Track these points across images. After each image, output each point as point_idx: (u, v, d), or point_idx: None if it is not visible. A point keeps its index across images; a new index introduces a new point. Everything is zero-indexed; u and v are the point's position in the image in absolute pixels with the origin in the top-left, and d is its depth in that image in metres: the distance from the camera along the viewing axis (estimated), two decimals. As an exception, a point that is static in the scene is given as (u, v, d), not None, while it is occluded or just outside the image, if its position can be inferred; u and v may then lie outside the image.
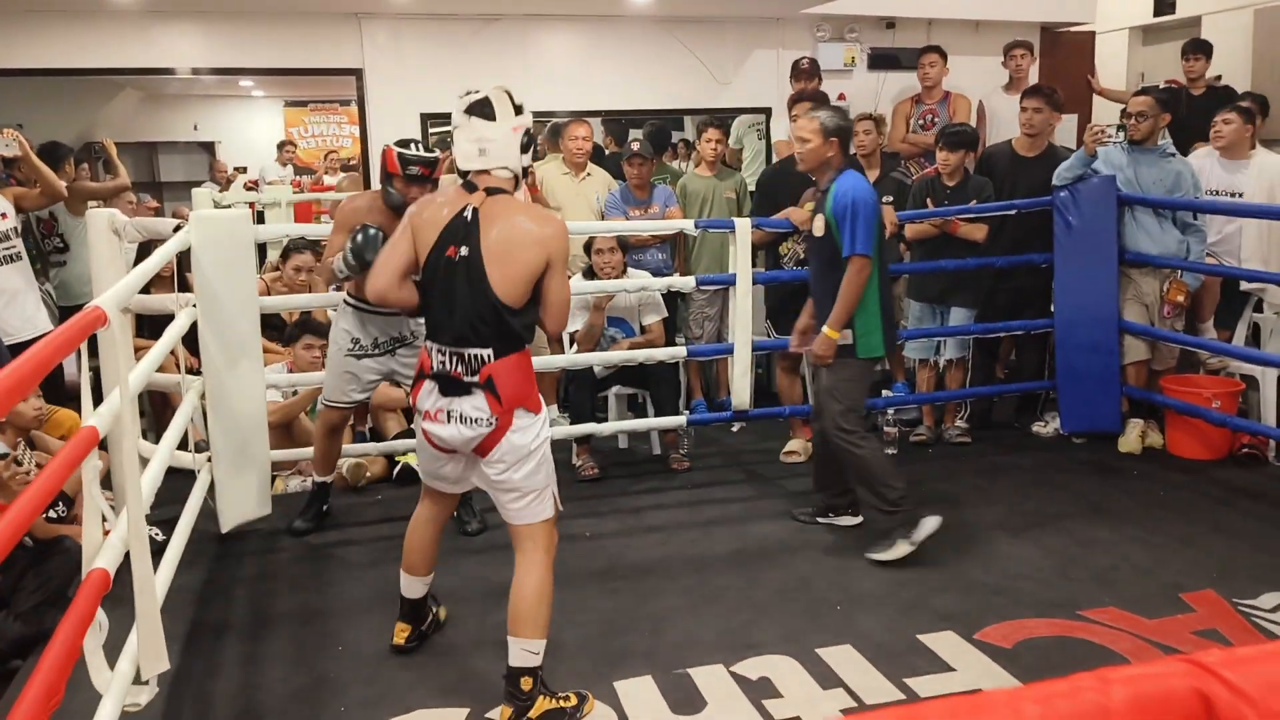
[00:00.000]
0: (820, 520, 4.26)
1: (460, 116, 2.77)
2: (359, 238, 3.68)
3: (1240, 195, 5.16)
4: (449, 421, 2.78)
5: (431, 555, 3.20)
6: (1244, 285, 5.37)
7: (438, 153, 3.97)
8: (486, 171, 2.78)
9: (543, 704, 2.82)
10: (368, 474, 4.85)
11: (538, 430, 2.83)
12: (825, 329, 3.89)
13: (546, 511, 2.88)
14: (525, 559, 2.86)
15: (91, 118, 10.40)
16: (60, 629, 2.17)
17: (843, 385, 3.94)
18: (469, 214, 2.72)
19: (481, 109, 2.75)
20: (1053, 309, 5.35)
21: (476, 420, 2.75)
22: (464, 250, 2.71)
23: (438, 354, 2.80)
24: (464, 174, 2.83)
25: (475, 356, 2.74)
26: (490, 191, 2.76)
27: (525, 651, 2.80)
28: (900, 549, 3.75)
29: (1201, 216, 5.04)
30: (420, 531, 3.16)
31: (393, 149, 3.85)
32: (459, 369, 2.76)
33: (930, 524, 3.80)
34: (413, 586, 3.21)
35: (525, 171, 2.88)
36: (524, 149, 2.81)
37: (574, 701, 2.89)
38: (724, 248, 5.09)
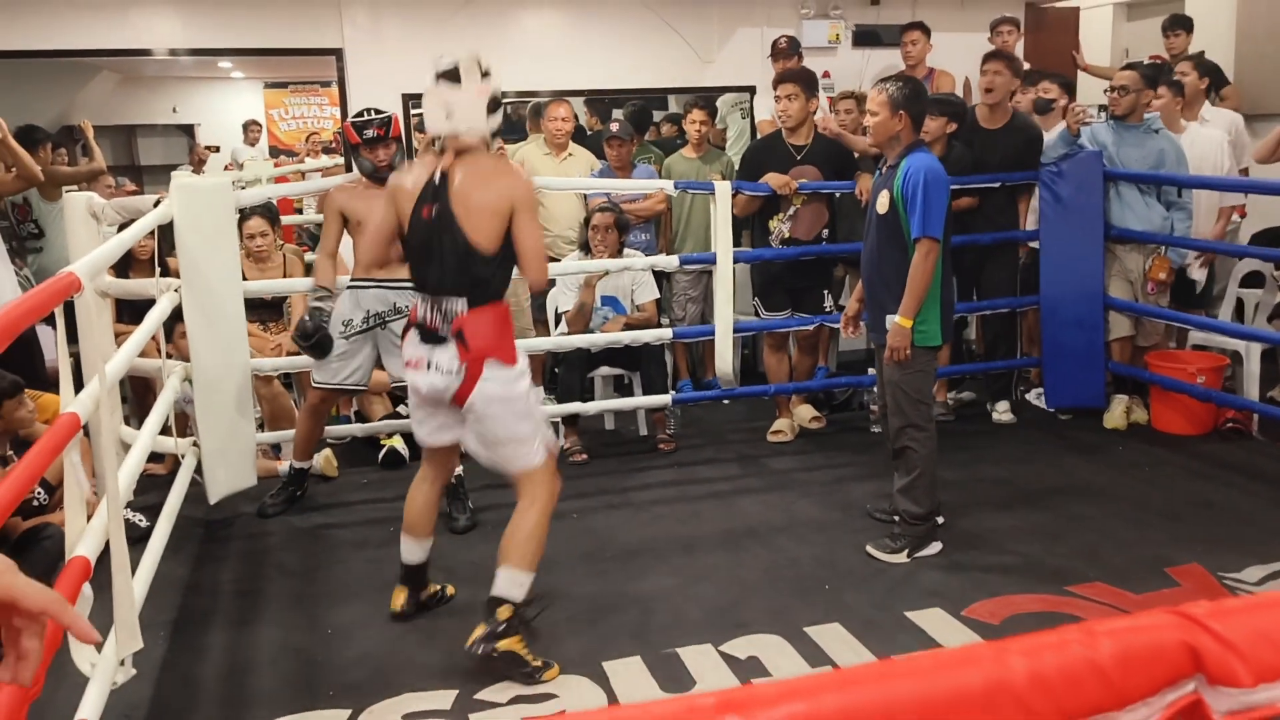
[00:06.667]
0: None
1: (429, 84, 2.91)
2: (308, 323, 3.97)
3: None
4: (427, 369, 2.93)
5: (430, 517, 3.27)
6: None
7: (389, 112, 4.12)
8: (455, 135, 2.91)
9: (512, 642, 2.91)
10: (336, 466, 4.79)
11: (513, 381, 2.92)
12: (898, 319, 3.63)
13: (536, 459, 2.99)
14: (523, 501, 3.00)
15: (68, 100, 10.25)
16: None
17: (910, 379, 3.71)
18: (437, 177, 2.91)
19: (448, 75, 2.88)
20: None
21: (449, 370, 2.90)
22: (436, 207, 2.89)
23: (422, 304, 2.98)
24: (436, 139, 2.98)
25: (450, 307, 2.90)
26: (459, 153, 2.91)
27: (509, 582, 2.92)
28: (900, 558, 3.72)
29: (1186, 193, 5.04)
30: (416, 491, 3.25)
31: (348, 123, 4.05)
32: (436, 319, 2.93)
33: (935, 548, 3.77)
34: (411, 550, 3.27)
35: (496, 133, 3.00)
36: (490, 110, 2.92)
37: (539, 663, 2.95)
38: (708, 230, 5.06)
